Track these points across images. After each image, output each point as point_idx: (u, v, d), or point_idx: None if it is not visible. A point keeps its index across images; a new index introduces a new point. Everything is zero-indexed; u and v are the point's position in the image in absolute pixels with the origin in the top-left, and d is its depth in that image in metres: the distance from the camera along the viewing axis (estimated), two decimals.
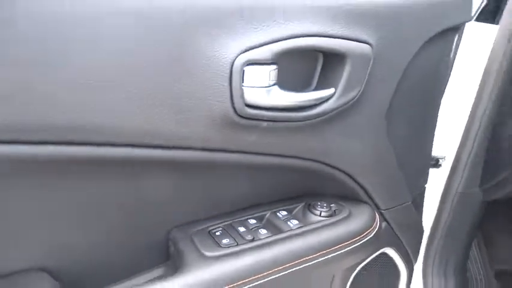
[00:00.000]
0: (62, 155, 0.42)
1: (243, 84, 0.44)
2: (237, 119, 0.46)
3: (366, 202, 0.62)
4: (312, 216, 0.58)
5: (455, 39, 0.62)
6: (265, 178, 0.59)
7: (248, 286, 0.50)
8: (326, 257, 0.55)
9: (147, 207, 0.53)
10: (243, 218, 0.57)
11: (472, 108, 0.78)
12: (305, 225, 0.56)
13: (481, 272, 1.18)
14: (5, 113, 0.38)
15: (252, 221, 0.57)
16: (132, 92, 0.41)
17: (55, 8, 0.37)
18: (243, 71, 0.44)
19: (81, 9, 0.38)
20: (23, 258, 0.48)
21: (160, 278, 0.50)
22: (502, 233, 1.28)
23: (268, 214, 0.58)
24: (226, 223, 0.56)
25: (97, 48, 0.39)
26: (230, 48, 0.43)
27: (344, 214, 0.59)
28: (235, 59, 0.43)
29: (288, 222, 0.56)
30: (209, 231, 0.55)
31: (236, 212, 0.58)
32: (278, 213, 0.58)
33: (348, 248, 0.57)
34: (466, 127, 0.79)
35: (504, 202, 1.21)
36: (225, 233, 0.54)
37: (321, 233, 0.56)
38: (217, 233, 0.54)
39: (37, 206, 0.47)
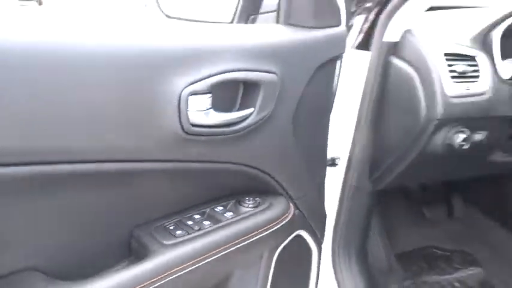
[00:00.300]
0: (43, 173, 0.52)
1: (188, 109, 0.58)
2: (184, 135, 0.59)
3: (281, 194, 0.77)
4: (242, 208, 0.71)
5: (338, 65, 0.79)
6: (206, 181, 0.71)
7: (199, 264, 0.63)
8: (254, 239, 0.69)
9: (112, 212, 0.63)
10: (190, 215, 0.69)
11: (357, 119, 0.94)
12: (237, 216, 0.69)
13: (383, 253, 1.34)
14: None
15: (197, 216, 0.69)
16: (102, 119, 0.53)
17: (44, 58, 0.49)
18: (188, 99, 0.58)
19: (64, 57, 0.50)
20: (16, 260, 0.56)
21: (128, 267, 0.60)
22: (399, 218, 1.50)
23: (208, 210, 0.71)
24: (177, 219, 0.68)
25: (74, 88, 0.51)
26: (178, 84, 0.57)
27: (266, 205, 0.73)
28: (182, 91, 0.57)
29: (225, 215, 0.69)
30: (165, 227, 0.66)
31: (183, 210, 0.70)
32: (216, 209, 0.71)
33: (270, 231, 0.71)
34: (354, 134, 0.95)
35: (397, 192, 1.44)
36: (178, 226, 0.66)
37: (249, 220, 0.70)
38: (171, 227, 0.66)
39: (23, 216, 0.55)
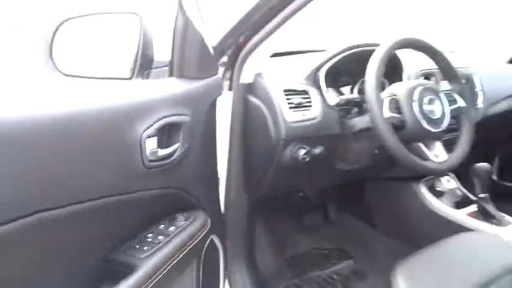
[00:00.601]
0: (37, 221, 0.64)
1: (146, 149, 0.77)
2: (144, 170, 0.78)
3: (199, 208, 0.96)
4: (178, 223, 0.88)
5: (217, 104, 1.01)
6: (153, 204, 0.87)
7: (167, 269, 0.80)
8: (192, 244, 0.88)
9: (89, 244, 0.76)
10: (144, 234, 0.84)
11: (229, 144, 1.11)
12: (177, 229, 0.86)
13: (272, 259, 1.52)
14: None
15: (150, 235, 0.84)
16: (87, 166, 0.70)
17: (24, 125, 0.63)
18: (145, 141, 0.77)
19: (43, 122, 0.65)
20: None
21: (117, 283, 0.71)
22: (283, 226, 1.68)
23: (154, 229, 0.86)
24: (137, 239, 0.83)
25: (62, 147, 0.66)
26: (138, 131, 0.76)
27: (192, 218, 0.90)
28: (141, 136, 0.76)
29: (169, 229, 0.86)
30: (132, 246, 0.81)
31: (137, 233, 0.85)
32: (159, 227, 0.87)
33: (199, 238, 0.90)
34: (228, 156, 1.12)
35: (279, 203, 1.66)
36: (142, 244, 0.81)
37: (186, 231, 0.87)
38: (137, 246, 0.80)
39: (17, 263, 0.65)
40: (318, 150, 1.14)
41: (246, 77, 1.09)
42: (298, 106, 1.11)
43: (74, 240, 0.73)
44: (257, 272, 1.40)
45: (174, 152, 0.85)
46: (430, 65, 1.27)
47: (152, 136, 0.79)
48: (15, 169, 0.62)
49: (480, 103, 1.52)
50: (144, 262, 0.77)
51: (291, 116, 1.09)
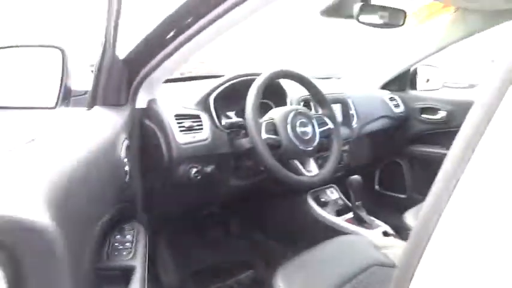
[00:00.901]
0: None
1: (125, 168, 0.92)
2: (125, 185, 0.93)
3: (136, 220, 1.02)
4: (128, 232, 0.93)
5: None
6: (115, 216, 0.94)
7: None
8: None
9: (81, 259, 0.79)
10: (112, 243, 0.88)
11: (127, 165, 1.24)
12: (132, 236, 0.92)
13: (176, 274, 1.59)
14: None
15: (117, 243, 0.89)
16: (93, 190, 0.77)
17: None
18: (124, 161, 0.91)
19: None
20: None
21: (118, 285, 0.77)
22: (188, 241, 1.78)
23: (113, 238, 0.91)
24: (110, 247, 0.87)
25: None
26: (118, 152, 0.89)
27: (136, 229, 0.96)
28: (120, 156, 0.90)
29: (127, 237, 0.91)
30: (111, 253, 0.85)
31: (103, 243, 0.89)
32: (117, 237, 0.92)
33: (147, 245, 0.96)
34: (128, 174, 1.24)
35: (183, 219, 1.75)
36: (119, 250, 0.85)
37: (140, 238, 0.92)
38: (116, 253, 0.85)
39: None
40: (209, 168, 1.26)
41: (140, 102, 1.20)
42: (189, 129, 1.22)
43: (80, 252, 0.79)
44: (160, 287, 1.46)
45: (128, 170, 0.97)
46: None
47: (125, 157, 0.92)
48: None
49: (354, 123, 1.77)
50: (137, 262, 0.84)
51: (182, 138, 1.20)
